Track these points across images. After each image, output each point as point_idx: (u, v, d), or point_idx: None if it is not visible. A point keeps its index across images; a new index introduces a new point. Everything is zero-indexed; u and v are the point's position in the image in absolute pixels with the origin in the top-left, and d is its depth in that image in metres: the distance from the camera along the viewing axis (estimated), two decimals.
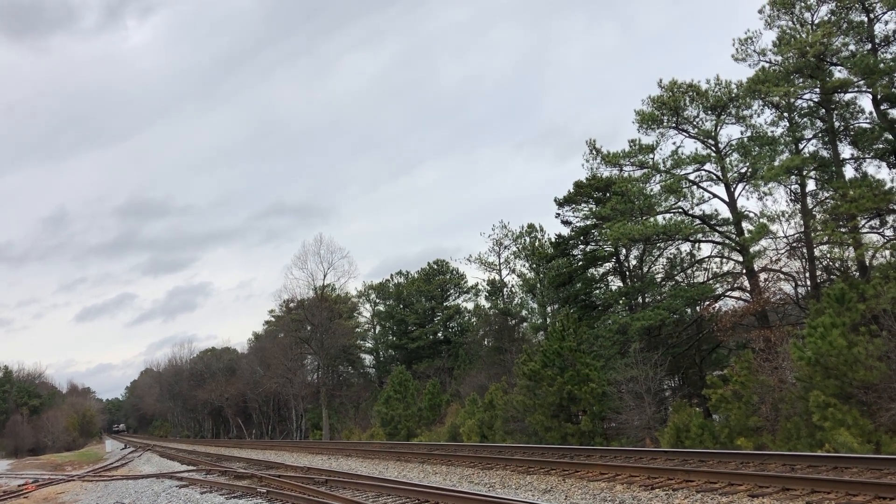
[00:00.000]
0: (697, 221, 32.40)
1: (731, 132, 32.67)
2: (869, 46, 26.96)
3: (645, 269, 37.98)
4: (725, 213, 32.44)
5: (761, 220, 30.28)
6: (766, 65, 28.84)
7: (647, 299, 36.06)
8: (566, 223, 39.83)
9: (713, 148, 31.65)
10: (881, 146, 27.60)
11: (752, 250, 30.05)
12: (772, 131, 30.34)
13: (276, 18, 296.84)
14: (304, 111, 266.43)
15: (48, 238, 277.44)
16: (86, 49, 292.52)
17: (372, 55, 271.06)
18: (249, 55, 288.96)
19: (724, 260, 33.79)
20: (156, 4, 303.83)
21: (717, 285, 33.29)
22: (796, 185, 29.63)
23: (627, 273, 38.56)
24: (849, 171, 28.46)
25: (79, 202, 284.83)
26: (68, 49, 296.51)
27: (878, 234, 27.67)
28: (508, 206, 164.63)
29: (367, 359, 76.80)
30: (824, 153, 28.90)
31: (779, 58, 28.20)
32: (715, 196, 32.12)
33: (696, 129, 31.77)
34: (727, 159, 31.27)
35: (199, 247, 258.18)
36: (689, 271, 36.37)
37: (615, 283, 39.60)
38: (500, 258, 54.88)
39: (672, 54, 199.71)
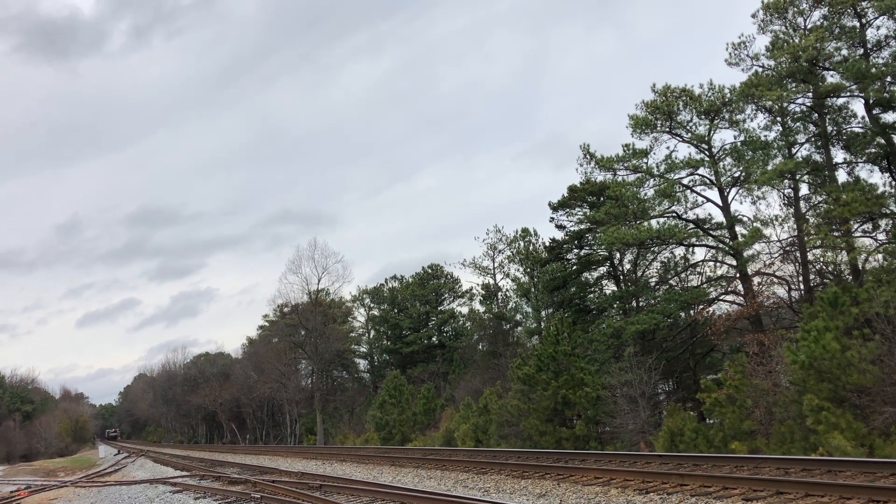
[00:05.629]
0: (691, 225, 32.48)
1: (724, 136, 32.75)
2: (861, 51, 27.09)
3: (639, 273, 38.04)
4: (719, 217, 32.59)
5: (755, 224, 30.39)
6: (760, 69, 28.97)
7: (641, 303, 36.10)
8: (560, 227, 39.93)
9: (707, 152, 31.76)
10: (873, 150, 27.71)
11: (745, 254, 30.12)
12: (765, 136, 30.48)
13: (278, 27, 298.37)
14: (306, 118, 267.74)
15: (60, 244, 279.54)
16: (106, 65, 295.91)
17: (372, 63, 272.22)
18: (252, 63, 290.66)
19: (718, 264, 33.89)
20: (184, 27, 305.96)
21: (711, 289, 33.36)
22: (789, 189, 29.74)
23: (621, 277, 38.62)
24: (841, 176, 28.61)
25: (92, 210, 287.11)
26: (88, 66, 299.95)
27: (871, 237, 27.79)
28: (507, 211, 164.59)
29: (362, 363, 76.75)
30: (817, 157, 29.00)
31: (772, 62, 28.31)
32: (708, 200, 32.27)
33: (689, 134, 31.86)
34: (721, 163, 31.39)
35: (207, 253, 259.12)
36: (683, 275, 36.45)
37: (609, 287, 39.70)
38: (494, 262, 54.94)
39: (670, 61, 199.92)
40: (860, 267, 26.55)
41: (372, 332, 73.97)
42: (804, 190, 29.88)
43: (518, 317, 53.79)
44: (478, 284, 61.51)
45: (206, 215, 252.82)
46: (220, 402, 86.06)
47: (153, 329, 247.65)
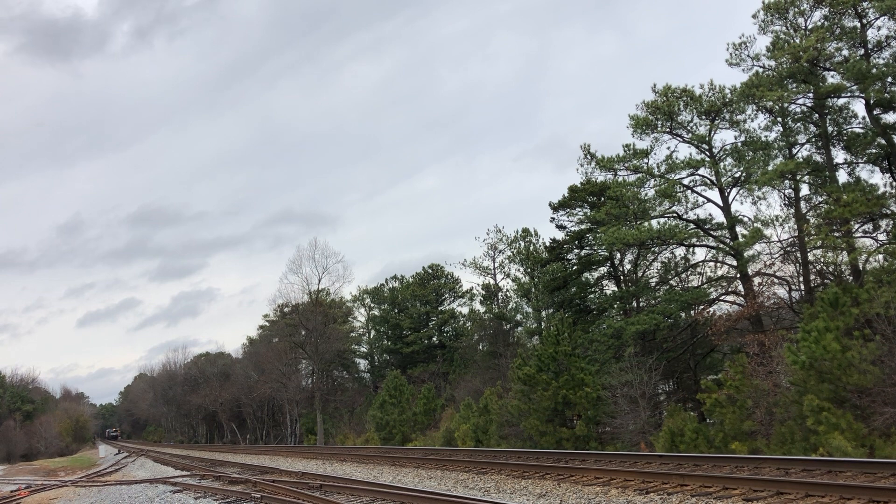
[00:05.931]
0: (692, 226, 32.48)
1: (725, 137, 32.88)
2: (862, 52, 27.09)
3: (639, 274, 38.04)
4: (719, 217, 32.58)
5: (755, 224, 30.38)
6: (760, 70, 28.97)
7: (641, 304, 36.10)
8: (561, 227, 39.94)
9: (707, 153, 31.75)
10: (874, 151, 27.72)
11: (746, 254, 30.12)
12: (765, 136, 30.50)
13: (280, 28, 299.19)
14: (308, 118, 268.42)
15: (61, 244, 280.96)
16: (109, 65, 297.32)
17: (374, 64, 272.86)
18: (254, 64, 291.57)
19: (719, 264, 33.89)
20: (186, 28, 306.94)
21: (712, 289, 33.36)
22: (790, 190, 29.74)
23: (622, 277, 38.62)
24: (842, 176, 28.64)
25: (94, 210, 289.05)
26: (90, 67, 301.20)
27: (872, 238, 27.79)
28: (508, 212, 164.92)
29: (362, 363, 76.79)
30: (818, 158, 29.01)
31: (772, 63, 28.31)
32: (709, 200, 32.27)
33: (690, 134, 31.86)
34: (721, 164, 31.38)
35: (208, 253, 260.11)
36: (683, 276, 36.45)
37: (610, 288, 39.71)
38: (494, 262, 54.93)
39: (671, 62, 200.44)
40: (861, 267, 26.55)
41: (372, 332, 74.00)
42: (805, 190, 29.93)
43: (518, 317, 53.79)
44: (478, 284, 61.57)
45: (208, 215, 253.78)
46: (220, 401, 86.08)
47: (154, 329, 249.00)
